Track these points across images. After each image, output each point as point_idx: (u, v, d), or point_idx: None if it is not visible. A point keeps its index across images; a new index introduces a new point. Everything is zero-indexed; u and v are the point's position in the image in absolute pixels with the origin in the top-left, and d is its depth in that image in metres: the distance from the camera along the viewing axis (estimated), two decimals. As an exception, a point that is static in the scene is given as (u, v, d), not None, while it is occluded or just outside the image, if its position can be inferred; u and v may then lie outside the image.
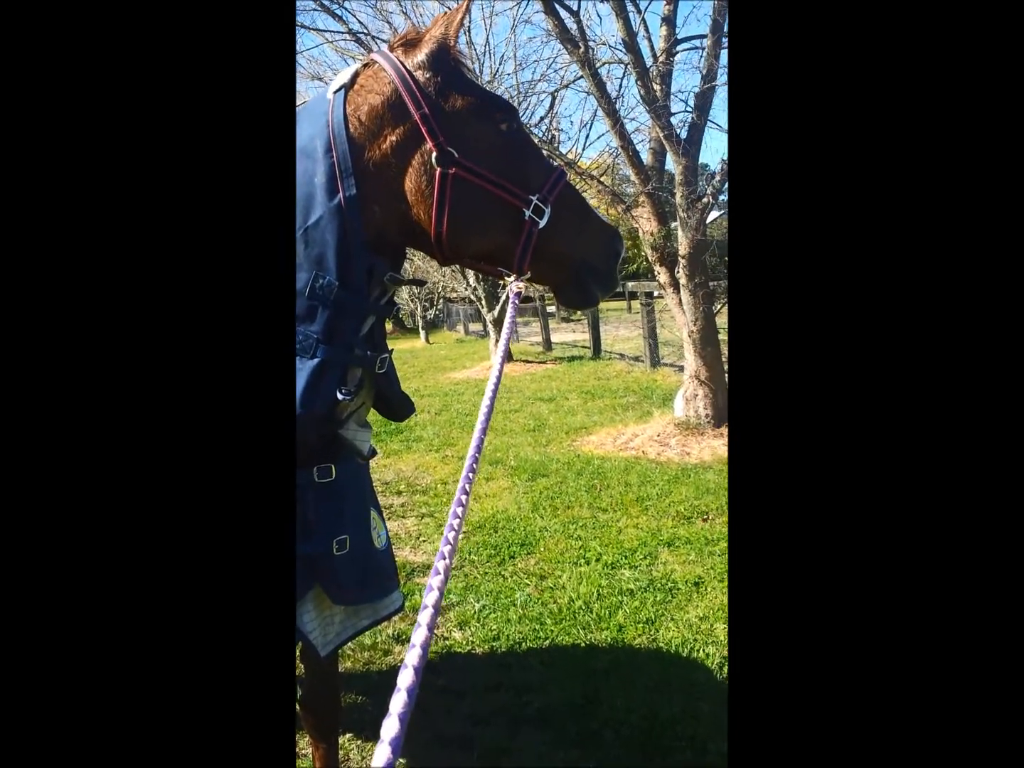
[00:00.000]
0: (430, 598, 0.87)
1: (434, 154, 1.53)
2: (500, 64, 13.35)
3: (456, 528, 0.99)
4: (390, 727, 0.72)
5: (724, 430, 6.79)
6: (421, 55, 1.57)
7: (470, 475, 1.11)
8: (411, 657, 0.78)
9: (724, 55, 6.31)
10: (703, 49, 6.57)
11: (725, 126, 6.89)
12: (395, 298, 1.74)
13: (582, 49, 6.56)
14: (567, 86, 9.27)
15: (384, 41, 11.12)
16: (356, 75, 1.60)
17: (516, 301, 1.74)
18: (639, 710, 2.69)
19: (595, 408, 8.78)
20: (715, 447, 6.53)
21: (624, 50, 6.62)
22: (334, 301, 1.50)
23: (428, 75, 1.56)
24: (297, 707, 2.40)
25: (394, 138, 1.54)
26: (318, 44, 12.55)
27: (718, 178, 6.76)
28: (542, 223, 1.59)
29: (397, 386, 1.78)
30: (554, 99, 10.47)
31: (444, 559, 0.92)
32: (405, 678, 0.76)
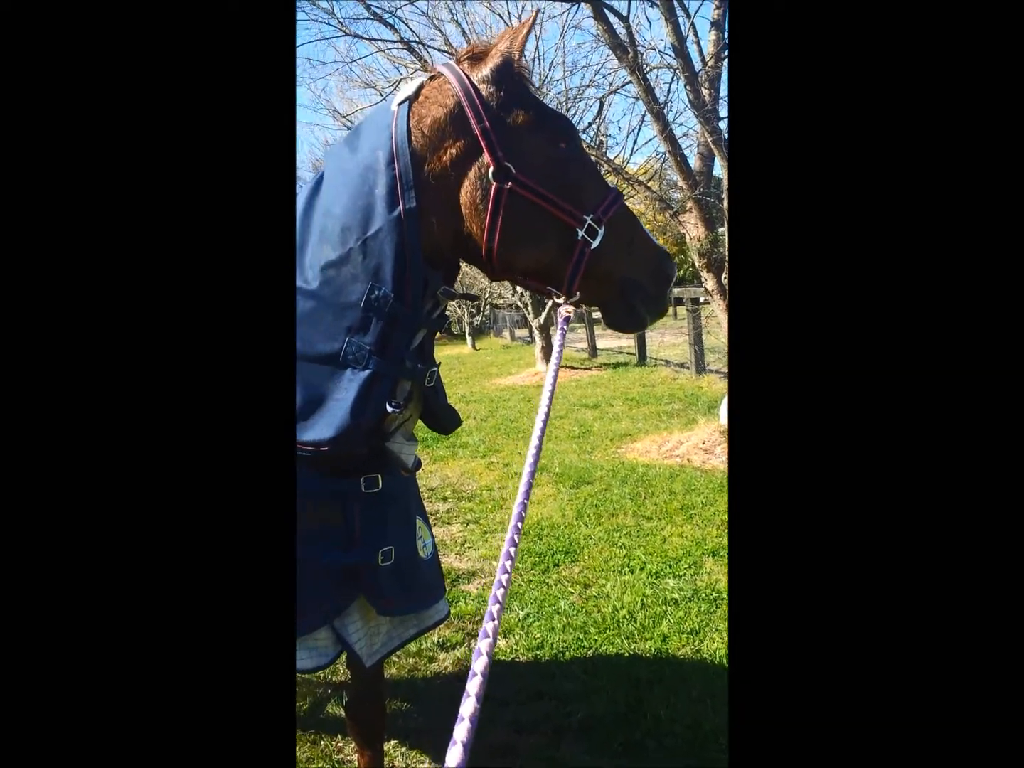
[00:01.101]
0: (479, 664, 0.84)
1: (491, 168, 1.53)
2: (549, 70, 13.38)
3: (504, 584, 0.98)
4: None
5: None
6: (486, 69, 1.58)
7: (517, 526, 1.09)
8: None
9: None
10: (752, 54, 6.48)
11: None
12: (445, 310, 1.75)
13: (631, 54, 6.54)
14: (615, 91, 9.23)
15: (437, 50, 11.22)
16: (421, 87, 1.61)
17: (565, 327, 1.70)
18: (683, 720, 2.67)
19: (640, 415, 8.73)
20: (763, 456, 6.43)
21: (673, 55, 6.59)
22: (388, 313, 1.51)
23: (491, 89, 1.57)
24: (343, 713, 2.43)
25: (454, 151, 1.55)
26: (371, 53, 12.76)
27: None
28: (595, 244, 1.58)
29: (444, 399, 1.78)
30: (602, 104, 10.44)
31: (493, 620, 0.90)
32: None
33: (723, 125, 6.65)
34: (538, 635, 3.44)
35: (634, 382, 11.84)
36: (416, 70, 11.39)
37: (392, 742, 2.65)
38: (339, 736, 2.73)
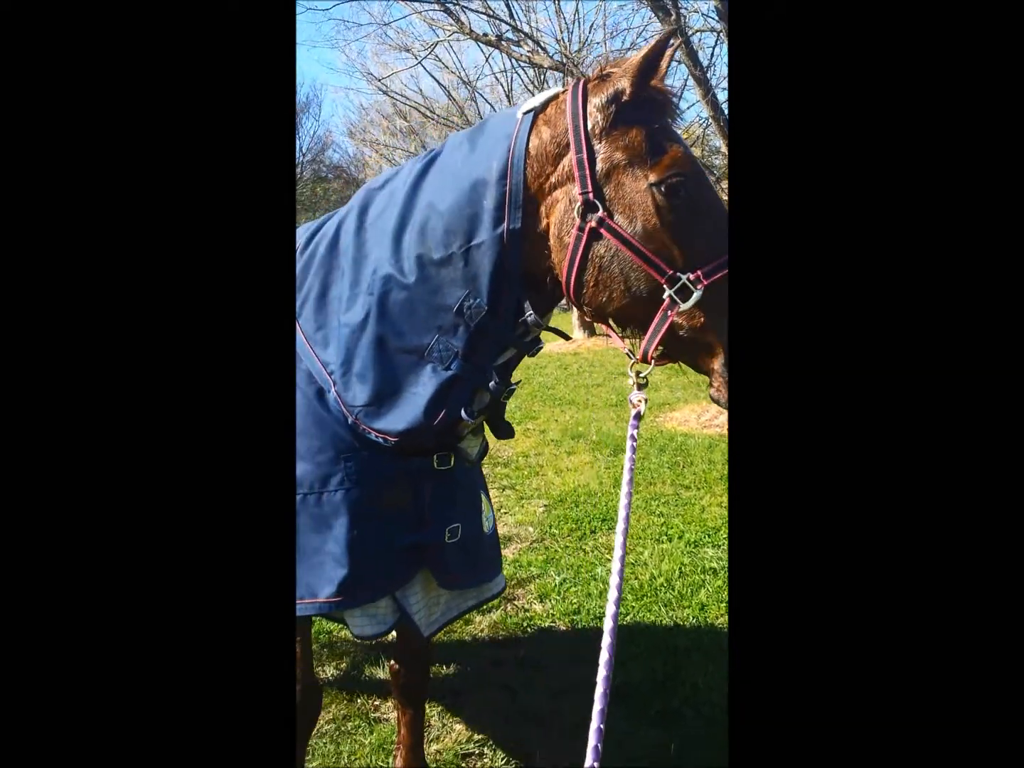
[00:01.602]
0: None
1: (579, 203, 1.42)
2: (590, 32, 13.15)
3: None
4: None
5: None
6: (605, 94, 1.44)
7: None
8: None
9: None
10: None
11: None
12: (538, 338, 1.65)
13: (673, 17, 6.39)
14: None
15: (474, 12, 10.98)
16: (549, 101, 1.52)
17: (636, 425, 1.49)
18: (719, 689, 2.66)
19: (679, 384, 8.65)
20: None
21: (717, 18, 6.42)
22: (479, 324, 1.48)
23: (602, 117, 1.43)
24: (381, 674, 2.45)
25: (554, 179, 1.46)
26: (406, 15, 12.59)
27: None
28: (685, 306, 1.38)
29: (503, 412, 1.74)
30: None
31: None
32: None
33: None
34: (575, 600, 3.44)
35: (672, 351, 11.68)
36: (453, 32, 11.23)
37: (428, 702, 2.67)
38: (375, 695, 2.75)
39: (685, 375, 1.63)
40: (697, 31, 7.37)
